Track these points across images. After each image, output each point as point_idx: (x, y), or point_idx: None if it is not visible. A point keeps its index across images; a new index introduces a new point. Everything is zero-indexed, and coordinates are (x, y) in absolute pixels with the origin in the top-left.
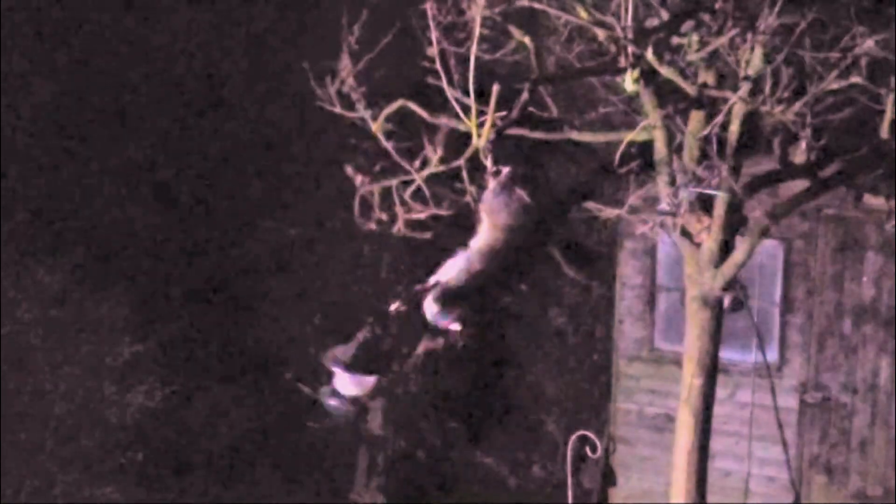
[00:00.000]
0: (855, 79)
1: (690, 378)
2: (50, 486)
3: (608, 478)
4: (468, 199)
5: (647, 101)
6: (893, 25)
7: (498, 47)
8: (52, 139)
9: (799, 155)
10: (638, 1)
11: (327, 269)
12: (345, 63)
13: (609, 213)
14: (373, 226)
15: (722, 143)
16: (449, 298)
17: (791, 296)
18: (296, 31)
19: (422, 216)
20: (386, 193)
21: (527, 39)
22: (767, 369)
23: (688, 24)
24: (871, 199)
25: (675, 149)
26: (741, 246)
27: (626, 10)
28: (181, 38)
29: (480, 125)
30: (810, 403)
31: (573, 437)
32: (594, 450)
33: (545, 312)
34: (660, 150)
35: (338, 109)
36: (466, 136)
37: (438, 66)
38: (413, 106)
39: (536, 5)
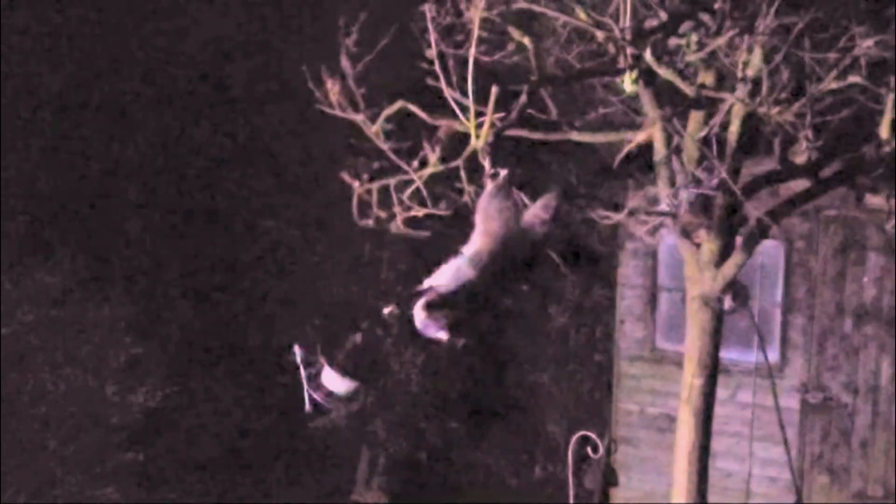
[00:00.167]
0: (854, 79)
1: (691, 378)
2: (51, 487)
3: (609, 478)
4: (466, 199)
5: (647, 101)
6: (893, 25)
7: (497, 49)
8: (53, 140)
9: (799, 155)
10: (636, 2)
11: (328, 270)
12: (344, 64)
13: (610, 217)
14: (370, 222)
15: (721, 143)
16: (436, 306)
17: (792, 296)
18: (296, 32)
19: (419, 214)
20: (385, 193)
21: (526, 40)
22: (769, 370)
23: (686, 25)
24: (871, 200)
25: (675, 150)
26: (741, 246)
27: (625, 11)
28: (182, 39)
29: (479, 126)
30: (811, 404)
31: (574, 438)
32: (595, 450)
33: (546, 312)
34: (659, 150)
35: (337, 111)
36: (466, 137)
37: (437, 67)
38: (412, 107)
39: (535, 7)
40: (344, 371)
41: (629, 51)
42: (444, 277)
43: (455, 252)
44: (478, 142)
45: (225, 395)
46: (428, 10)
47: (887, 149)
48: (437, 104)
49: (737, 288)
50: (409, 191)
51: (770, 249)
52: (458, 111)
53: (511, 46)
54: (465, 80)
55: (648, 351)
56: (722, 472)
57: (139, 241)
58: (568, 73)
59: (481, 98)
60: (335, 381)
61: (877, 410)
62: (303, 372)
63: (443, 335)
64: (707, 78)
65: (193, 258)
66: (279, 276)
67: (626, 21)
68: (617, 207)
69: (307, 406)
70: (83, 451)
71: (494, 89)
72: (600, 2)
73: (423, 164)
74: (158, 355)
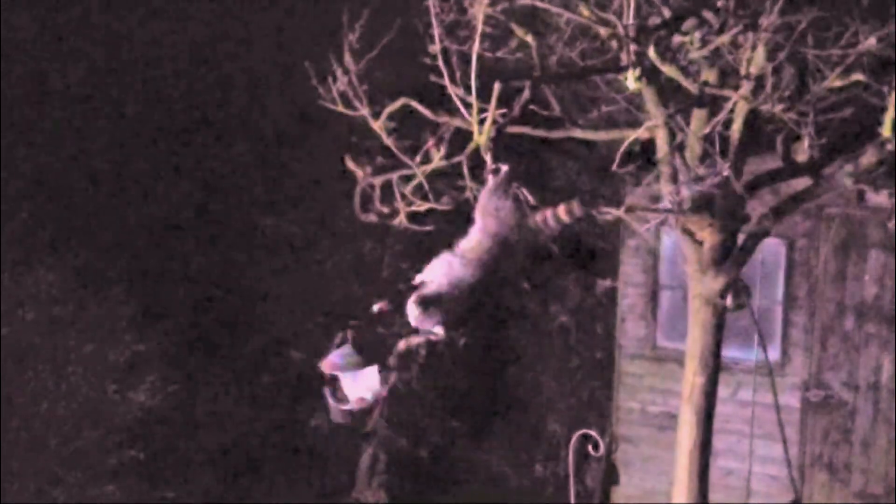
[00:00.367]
0: (857, 76)
1: (692, 376)
2: (52, 485)
3: (610, 476)
4: (468, 195)
5: (650, 99)
6: (895, 21)
7: (500, 45)
8: (55, 138)
9: (801, 153)
10: None
11: (329, 268)
12: (346, 60)
13: (611, 214)
14: (373, 218)
15: (724, 141)
16: (430, 303)
17: (793, 294)
18: (298, 29)
19: (421, 209)
20: (387, 190)
21: (529, 37)
22: (769, 368)
23: (690, 23)
24: (873, 198)
25: (678, 147)
26: (743, 244)
27: (629, 7)
28: (183, 37)
29: (482, 122)
30: (812, 402)
31: (575, 436)
32: (596, 448)
33: (547, 310)
34: (662, 148)
35: (340, 108)
36: (470, 133)
37: (441, 63)
38: (415, 104)
39: (539, 3)
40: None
41: (632, 48)
42: (436, 273)
43: (450, 247)
44: (480, 138)
45: (226, 393)
46: (432, 6)
47: (890, 147)
48: (440, 101)
49: (738, 286)
50: (411, 185)
51: (771, 247)
52: (461, 107)
53: (514, 43)
54: (468, 76)
55: (649, 349)
56: (723, 470)
57: (140, 239)
58: (571, 71)
59: (484, 95)
60: (356, 388)
61: (878, 408)
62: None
63: (439, 331)
64: (710, 75)
65: (195, 256)
66: (281, 275)
67: (630, 18)
68: (619, 205)
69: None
70: (84, 449)
71: (497, 86)
72: None
73: (426, 160)
74: (159, 353)
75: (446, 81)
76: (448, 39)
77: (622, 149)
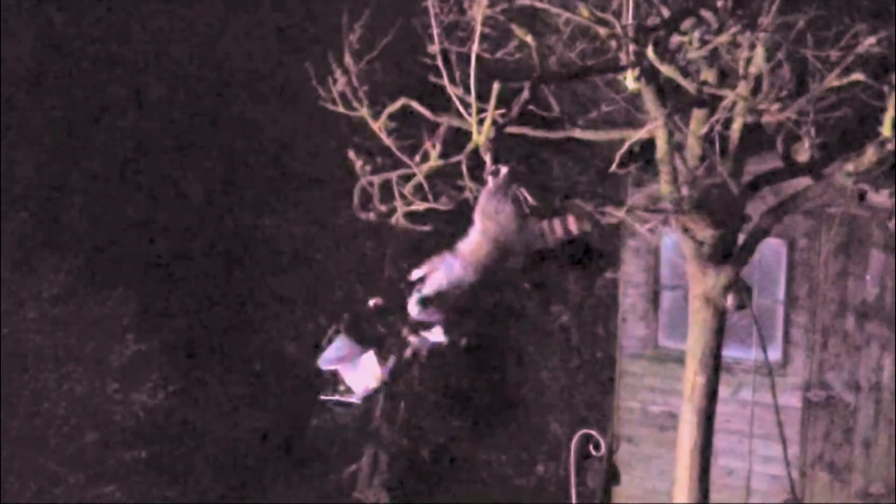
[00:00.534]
0: (856, 76)
1: (693, 376)
2: (53, 485)
3: (612, 476)
4: (468, 195)
5: (649, 99)
6: (894, 22)
7: (500, 46)
8: (56, 138)
9: (801, 153)
10: None
11: (331, 268)
12: (347, 61)
13: (611, 215)
14: (372, 216)
15: (724, 141)
16: (429, 302)
17: (794, 294)
18: (299, 30)
19: (420, 209)
20: (386, 190)
21: (528, 38)
22: (768, 368)
23: (689, 22)
24: (874, 197)
25: (677, 147)
26: (744, 245)
27: (628, 8)
28: (184, 37)
29: (481, 122)
30: (814, 402)
31: (576, 436)
32: (597, 448)
33: (548, 310)
34: (661, 148)
35: (340, 108)
36: (469, 133)
37: (440, 64)
38: (415, 104)
39: (538, 4)
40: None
41: (631, 48)
42: (436, 272)
43: (450, 247)
44: (479, 138)
45: (227, 393)
46: (431, 6)
47: (890, 146)
48: (440, 101)
49: (739, 286)
50: (410, 185)
51: (772, 247)
52: (460, 108)
53: (513, 44)
54: (467, 76)
55: (650, 349)
56: (724, 469)
57: (141, 239)
58: (570, 71)
59: (483, 95)
60: (360, 379)
61: (879, 408)
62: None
63: (437, 331)
64: (709, 75)
65: (196, 257)
66: (282, 275)
67: (629, 18)
68: (620, 205)
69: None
70: (85, 449)
71: (496, 86)
72: None
73: (425, 159)
74: (161, 353)
75: (446, 82)
76: (447, 40)
77: (623, 149)
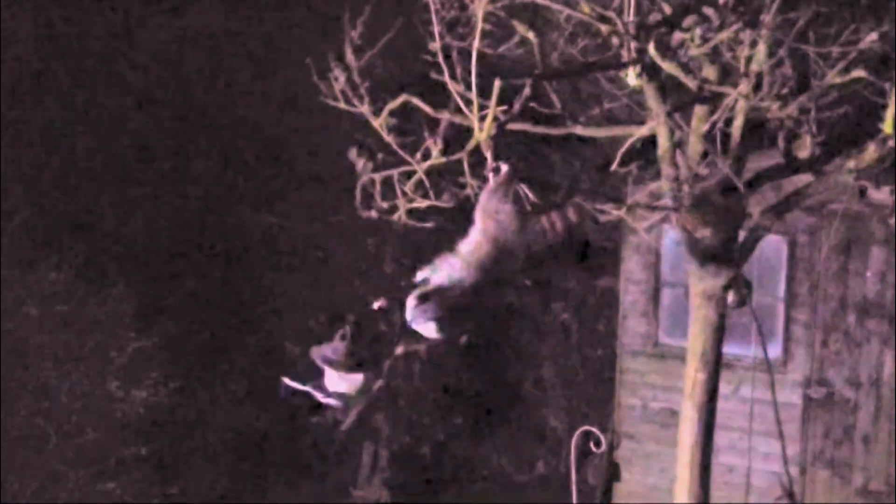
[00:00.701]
0: (858, 73)
1: (694, 373)
2: (54, 482)
3: (612, 473)
4: (469, 192)
5: (650, 96)
6: (894, 19)
7: (501, 42)
8: (57, 136)
9: (802, 150)
10: None
11: (331, 265)
12: (348, 57)
13: (611, 210)
14: (374, 214)
15: (725, 138)
16: (426, 297)
17: (795, 291)
18: (300, 26)
19: (422, 206)
20: (388, 187)
21: (530, 34)
22: (769, 365)
23: (690, 20)
24: (875, 194)
25: (678, 144)
26: (744, 241)
27: (629, 5)
28: (185, 34)
29: (483, 119)
30: (814, 399)
31: (577, 433)
32: (598, 445)
33: (549, 308)
34: (663, 145)
35: (341, 104)
36: (470, 130)
37: (441, 60)
38: (416, 101)
39: (539, 0)
40: (343, 365)
41: (633, 45)
42: (437, 272)
43: (452, 247)
44: (481, 135)
45: (228, 390)
46: (432, 3)
47: (890, 144)
48: (441, 97)
49: (739, 283)
50: (411, 182)
51: (773, 244)
52: (461, 104)
53: (515, 40)
54: (468, 73)
55: (651, 346)
56: (724, 466)
57: (142, 237)
58: (572, 68)
59: (485, 91)
60: (338, 382)
61: (879, 405)
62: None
63: (431, 327)
64: (711, 72)
65: (196, 254)
66: (283, 272)
67: (630, 15)
68: (620, 202)
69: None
70: (87, 446)
71: (498, 83)
72: None
73: (427, 156)
74: (162, 351)
75: (447, 78)
76: (449, 36)
77: (624, 146)
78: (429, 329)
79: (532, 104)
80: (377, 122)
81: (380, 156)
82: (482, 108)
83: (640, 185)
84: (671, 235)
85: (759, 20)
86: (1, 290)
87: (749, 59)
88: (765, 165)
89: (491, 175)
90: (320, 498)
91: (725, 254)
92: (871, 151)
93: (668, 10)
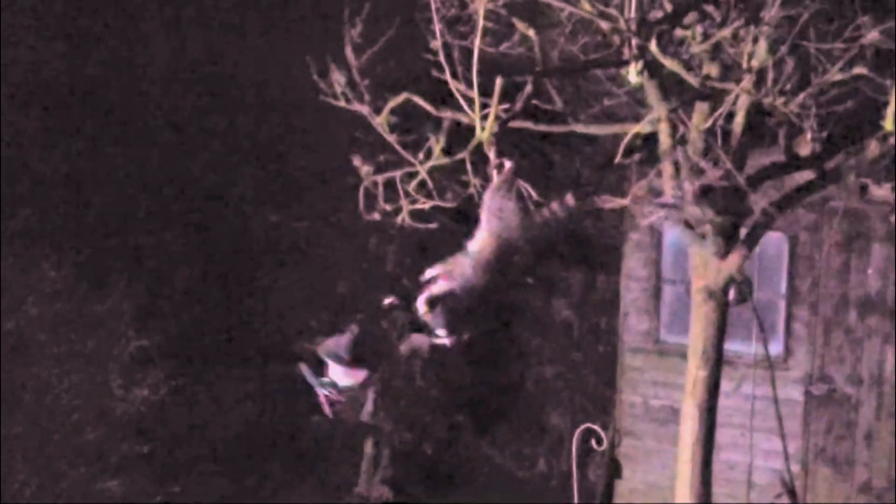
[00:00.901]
0: (859, 70)
1: (695, 370)
2: (55, 480)
3: (614, 470)
4: (472, 191)
5: (652, 93)
6: (895, 15)
7: (502, 40)
8: (57, 133)
9: (804, 146)
10: None
11: (333, 263)
12: (348, 55)
13: (613, 204)
14: (377, 216)
15: (726, 135)
16: (436, 302)
17: (796, 288)
18: (301, 24)
19: (425, 206)
20: (390, 186)
21: (531, 32)
22: (770, 362)
23: (691, 16)
24: (876, 191)
25: (680, 141)
26: (746, 238)
27: (630, 2)
28: (185, 33)
29: (484, 117)
30: (816, 395)
31: (579, 430)
32: (600, 442)
33: (550, 305)
34: (664, 142)
35: (342, 103)
36: (472, 129)
37: (442, 58)
38: (417, 99)
39: None
40: (349, 360)
41: (634, 42)
42: (448, 274)
43: (459, 247)
44: (483, 133)
45: (230, 388)
46: (433, 1)
47: (891, 141)
48: (442, 96)
49: (741, 280)
50: (414, 182)
51: (774, 241)
52: (463, 103)
53: (516, 38)
54: (469, 71)
55: (652, 343)
56: (726, 463)
57: (144, 234)
58: (573, 65)
59: (486, 89)
60: (342, 376)
61: (881, 402)
62: (318, 387)
63: (442, 333)
64: (712, 69)
65: (198, 252)
66: (285, 270)
67: (631, 12)
68: (623, 195)
69: (326, 411)
70: (88, 444)
71: (499, 81)
72: None
73: (429, 155)
74: (163, 349)
75: (448, 77)
76: (449, 34)
77: (625, 142)
78: (440, 334)
79: (533, 102)
80: (378, 121)
81: (381, 157)
82: (484, 106)
83: (643, 182)
84: (672, 232)
85: (760, 17)
86: (1, 288)
87: (750, 56)
88: (766, 162)
89: (494, 173)
90: (322, 496)
91: (727, 251)
92: (872, 149)
93: (669, 7)
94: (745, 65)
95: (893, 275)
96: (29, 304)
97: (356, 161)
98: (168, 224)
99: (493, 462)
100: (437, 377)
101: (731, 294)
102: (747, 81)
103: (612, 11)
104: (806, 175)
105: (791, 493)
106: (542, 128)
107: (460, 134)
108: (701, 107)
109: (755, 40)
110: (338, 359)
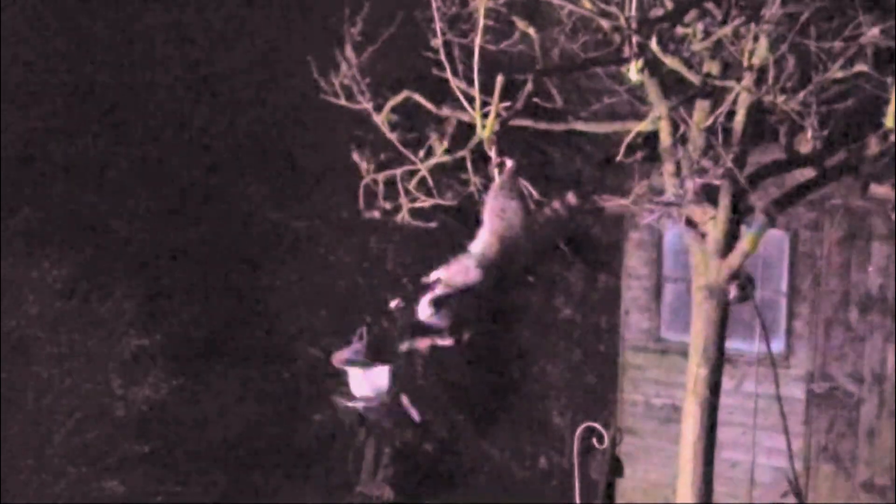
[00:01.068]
0: (860, 67)
1: (697, 369)
2: (56, 480)
3: (615, 469)
4: (472, 189)
5: (652, 91)
6: (895, 13)
7: (502, 38)
8: (57, 132)
9: (804, 144)
10: None
11: (333, 262)
12: (348, 54)
13: (614, 203)
14: (377, 214)
15: (727, 132)
16: (443, 304)
17: (797, 286)
18: (301, 22)
19: (425, 205)
20: (391, 184)
21: (531, 30)
22: (772, 360)
23: (692, 14)
24: (876, 189)
25: (681, 139)
26: (747, 237)
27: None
28: (185, 30)
29: (485, 116)
30: (817, 393)
31: (580, 429)
32: (601, 441)
33: (551, 303)
34: (665, 140)
35: (343, 101)
36: (473, 127)
37: (443, 57)
38: (418, 97)
39: None
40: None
41: (635, 40)
42: (453, 275)
43: (462, 248)
44: (483, 131)
45: (230, 387)
46: None
47: (892, 138)
48: (443, 94)
49: (742, 278)
50: (414, 180)
51: (775, 239)
52: (463, 101)
53: (516, 36)
54: (470, 69)
55: (653, 341)
56: (727, 462)
57: (144, 233)
58: (573, 63)
59: (487, 88)
60: (364, 386)
61: (883, 399)
62: (354, 405)
63: (447, 335)
64: (713, 67)
65: (199, 251)
66: (285, 269)
67: (632, 10)
68: (624, 194)
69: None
70: (88, 443)
71: (500, 79)
72: None
73: (430, 154)
74: (163, 348)
75: (448, 75)
76: (450, 32)
77: (626, 140)
78: (444, 336)
79: (534, 100)
80: (379, 119)
81: (382, 155)
82: (484, 104)
83: (646, 179)
84: (673, 230)
85: (761, 15)
86: (1, 286)
87: (751, 54)
88: (767, 160)
89: (495, 172)
90: (323, 495)
91: (728, 248)
92: (873, 146)
93: (669, 4)
94: (745, 63)
95: (894, 273)
96: (29, 303)
97: (355, 156)
98: (168, 223)
99: (493, 461)
100: (437, 377)
101: (732, 292)
102: (748, 79)
103: (613, 9)
104: (807, 173)
105: (797, 492)
106: (543, 126)
107: (461, 132)
108: (702, 105)
109: (756, 38)
110: (362, 364)
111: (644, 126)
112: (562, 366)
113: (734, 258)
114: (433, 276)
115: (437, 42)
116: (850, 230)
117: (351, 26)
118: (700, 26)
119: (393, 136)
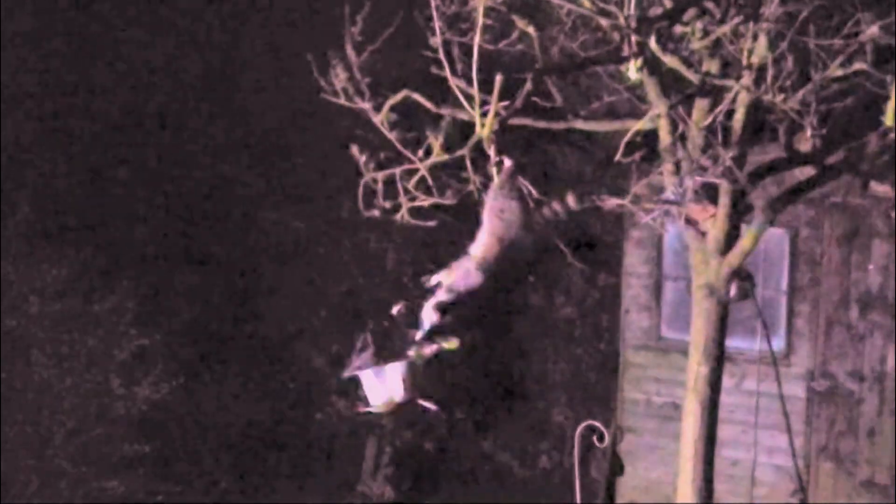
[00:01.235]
0: (859, 65)
1: (697, 367)
2: (56, 479)
3: (615, 467)
4: (472, 188)
5: (652, 90)
6: (895, 11)
7: (502, 37)
8: (58, 131)
9: (804, 143)
10: None
11: (333, 262)
12: (348, 53)
13: (613, 202)
14: (376, 213)
15: (727, 131)
16: (446, 310)
17: (797, 284)
18: (300, 22)
19: (425, 204)
20: (390, 183)
21: (530, 29)
22: (772, 358)
23: (691, 13)
24: (876, 187)
25: (680, 138)
26: (746, 234)
27: None
28: (185, 31)
29: (484, 115)
30: (818, 392)
31: (580, 427)
32: (601, 439)
33: (552, 302)
34: (664, 139)
35: (342, 100)
36: (473, 126)
37: (442, 56)
38: (417, 96)
39: None
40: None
41: (634, 39)
42: (454, 279)
43: (462, 250)
44: (483, 131)
45: (230, 387)
46: None
47: (892, 136)
48: (442, 93)
49: (742, 276)
50: (414, 180)
51: (775, 237)
52: (462, 100)
53: (515, 35)
54: (469, 68)
55: (654, 340)
56: (728, 460)
57: (144, 233)
58: (572, 62)
59: (486, 87)
60: (379, 392)
61: (883, 398)
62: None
63: (454, 343)
64: (712, 66)
65: (199, 250)
66: (285, 269)
67: (631, 9)
68: (623, 194)
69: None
70: (88, 443)
71: (499, 78)
72: None
73: (429, 153)
74: (164, 347)
75: (448, 74)
76: (449, 31)
77: (625, 139)
78: (450, 341)
79: (533, 99)
80: (378, 119)
81: (382, 154)
82: (483, 103)
83: (646, 177)
84: (673, 229)
85: (760, 13)
86: (2, 286)
87: (750, 52)
88: (766, 159)
89: (494, 171)
90: (324, 494)
91: (728, 247)
92: (872, 144)
93: (668, 3)
94: (744, 61)
95: (894, 271)
96: (30, 302)
97: (353, 151)
98: (169, 223)
99: (494, 460)
100: (437, 376)
101: (733, 290)
102: (747, 78)
103: (612, 8)
104: (806, 171)
105: (801, 490)
106: (542, 124)
107: (461, 131)
108: (701, 103)
109: (755, 37)
110: (373, 368)
111: (643, 125)
112: (562, 365)
113: (734, 256)
114: (434, 280)
115: (437, 41)
116: (851, 228)
117: (351, 25)
118: (699, 25)
119: (392, 136)
